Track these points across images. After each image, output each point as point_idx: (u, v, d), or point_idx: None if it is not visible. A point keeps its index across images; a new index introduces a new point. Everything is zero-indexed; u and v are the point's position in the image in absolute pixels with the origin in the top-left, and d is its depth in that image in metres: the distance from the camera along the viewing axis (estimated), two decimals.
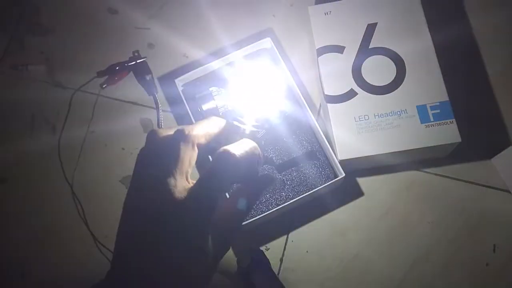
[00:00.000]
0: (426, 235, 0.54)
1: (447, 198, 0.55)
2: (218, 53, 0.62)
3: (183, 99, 0.56)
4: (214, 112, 0.55)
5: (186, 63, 0.63)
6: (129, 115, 0.62)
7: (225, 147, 0.29)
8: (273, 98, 0.37)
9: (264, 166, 0.55)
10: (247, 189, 0.32)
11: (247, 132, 0.33)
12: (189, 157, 0.29)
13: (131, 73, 0.64)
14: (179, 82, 0.58)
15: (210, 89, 0.56)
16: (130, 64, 0.63)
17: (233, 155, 0.28)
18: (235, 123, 0.33)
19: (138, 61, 0.63)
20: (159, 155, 0.29)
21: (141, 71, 0.63)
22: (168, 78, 0.62)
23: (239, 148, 0.29)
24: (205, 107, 0.55)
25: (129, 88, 0.63)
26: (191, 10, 0.65)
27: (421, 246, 0.54)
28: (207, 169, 0.28)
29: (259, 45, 0.58)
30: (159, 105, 0.62)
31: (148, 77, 0.62)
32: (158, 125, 0.61)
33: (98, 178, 0.60)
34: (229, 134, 0.32)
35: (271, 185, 0.53)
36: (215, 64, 0.58)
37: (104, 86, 0.63)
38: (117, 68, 0.63)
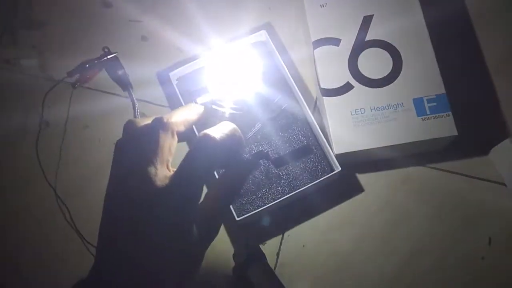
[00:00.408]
0: (422, 229, 0.54)
1: (443, 192, 0.55)
2: (213, 46, 0.61)
3: (178, 93, 0.56)
4: (209, 105, 0.54)
5: (181, 56, 0.62)
6: (116, 107, 0.61)
7: (205, 131, 0.29)
8: (252, 81, 0.37)
9: (260, 160, 0.55)
10: (231, 172, 0.31)
11: (227, 115, 0.33)
12: (169, 145, 0.29)
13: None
14: (174, 76, 0.57)
15: (205, 82, 0.55)
16: (100, 61, 0.61)
17: (213, 139, 0.28)
18: (214, 107, 0.33)
19: (108, 56, 0.61)
20: (138, 145, 0.28)
21: (113, 67, 0.61)
22: (163, 72, 0.61)
23: (218, 131, 0.29)
24: (200, 100, 0.54)
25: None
26: (186, 3, 0.64)
27: (417, 240, 0.54)
28: (187, 155, 0.28)
29: (254, 38, 0.57)
30: (135, 100, 0.60)
31: (120, 72, 0.60)
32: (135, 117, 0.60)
33: (83, 176, 0.59)
34: (209, 118, 0.32)
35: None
36: (210, 57, 0.57)
37: (76, 85, 0.61)
38: (87, 66, 0.61)
